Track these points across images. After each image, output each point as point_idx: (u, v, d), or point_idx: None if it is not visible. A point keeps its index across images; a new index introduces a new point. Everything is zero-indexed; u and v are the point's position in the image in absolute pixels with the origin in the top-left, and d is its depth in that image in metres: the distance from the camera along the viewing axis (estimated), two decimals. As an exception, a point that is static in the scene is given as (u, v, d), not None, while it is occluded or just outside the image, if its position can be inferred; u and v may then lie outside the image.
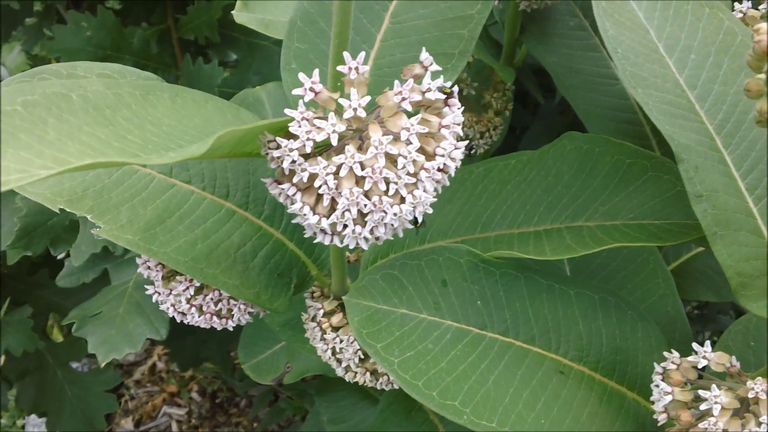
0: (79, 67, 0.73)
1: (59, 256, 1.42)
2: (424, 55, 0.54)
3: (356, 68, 0.51)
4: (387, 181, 0.51)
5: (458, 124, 0.54)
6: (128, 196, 0.71)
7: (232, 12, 0.86)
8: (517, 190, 0.74)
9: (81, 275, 1.39)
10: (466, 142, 0.55)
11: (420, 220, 0.55)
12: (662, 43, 0.60)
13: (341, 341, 0.80)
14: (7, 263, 1.36)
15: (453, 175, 0.55)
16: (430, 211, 0.54)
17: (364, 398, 1.41)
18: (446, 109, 0.55)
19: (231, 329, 0.78)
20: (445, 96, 0.53)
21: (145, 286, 0.77)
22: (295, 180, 0.53)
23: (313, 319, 0.83)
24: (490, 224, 0.73)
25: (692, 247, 1.09)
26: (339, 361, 0.82)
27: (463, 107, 0.53)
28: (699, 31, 0.60)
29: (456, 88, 0.55)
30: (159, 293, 0.76)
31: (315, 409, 1.68)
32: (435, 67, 0.54)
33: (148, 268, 0.75)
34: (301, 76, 0.52)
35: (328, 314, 0.82)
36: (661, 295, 0.83)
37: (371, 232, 0.54)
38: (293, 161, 0.52)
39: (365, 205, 0.52)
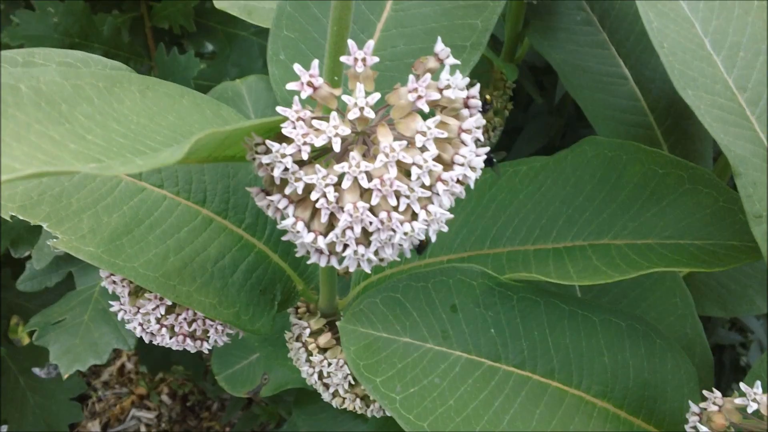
0: (37, 54, 0.64)
1: (25, 256, 1.33)
2: (440, 46, 0.45)
3: (363, 59, 0.42)
4: (398, 195, 0.43)
5: (480, 128, 0.46)
6: (91, 201, 0.63)
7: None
8: (530, 200, 0.66)
9: (44, 279, 1.29)
10: (487, 148, 0.46)
11: (433, 239, 0.46)
12: (709, 38, 0.52)
13: (329, 364, 0.72)
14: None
15: (472, 187, 0.47)
16: (446, 229, 0.46)
17: (345, 411, 1.33)
18: (464, 110, 0.46)
19: (206, 352, 0.69)
20: (482, 101, 0.45)
21: (110, 302, 0.68)
22: (287, 191, 0.44)
23: (298, 338, 0.75)
24: (501, 239, 0.65)
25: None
26: (326, 386, 0.74)
27: (490, 108, 0.45)
28: (747, 26, 0.53)
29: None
30: (125, 311, 0.67)
31: (291, 420, 1.60)
32: (452, 61, 0.46)
33: (113, 282, 0.67)
34: (297, 67, 0.43)
35: (314, 334, 0.74)
36: (679, 316, 0.75)
37: (376, 253, 0.46)
38: (286, 169, 0.43)
39: (371, 223, 0.43)
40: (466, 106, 0.46)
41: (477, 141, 0.46)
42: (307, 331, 0.74)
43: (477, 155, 0.46)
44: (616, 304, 0.78)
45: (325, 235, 0.45)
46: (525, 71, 1.34)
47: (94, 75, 0.48)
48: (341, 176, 0.43)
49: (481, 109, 0.47)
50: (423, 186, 0.43)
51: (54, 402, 1.65)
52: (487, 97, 0.46)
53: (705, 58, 0.51)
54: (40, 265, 1.22)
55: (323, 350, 0.73)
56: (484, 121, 0.46)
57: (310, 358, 0.74)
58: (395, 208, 0.43)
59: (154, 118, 0.49)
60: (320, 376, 0.74)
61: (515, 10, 0.97)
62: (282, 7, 0.61)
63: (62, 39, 1.26)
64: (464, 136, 0.44)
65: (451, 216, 0.46)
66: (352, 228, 0.44)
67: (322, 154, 0.46)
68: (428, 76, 0.43)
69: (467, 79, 0.46)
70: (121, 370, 2.92)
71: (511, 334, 0.56)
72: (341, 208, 0.43)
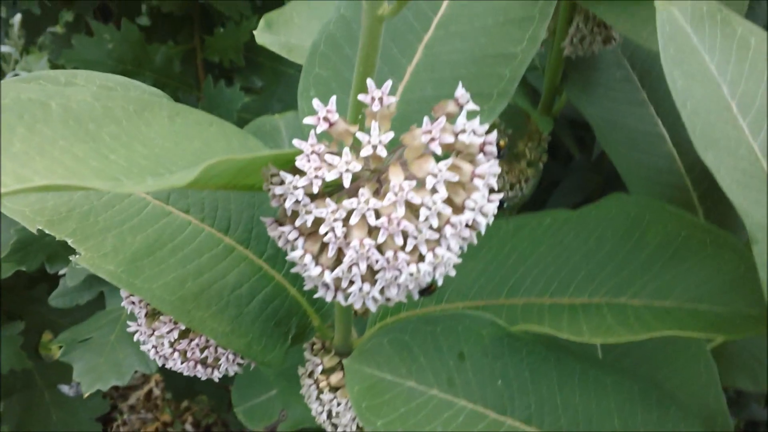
0: (79, 75, 0.66)
1: (61, 272, 1.35)
2: (460, 91, 0.46)
3: (380, 99, 0.43)
4: (405, 235, 0.43)
5: (494, 175, 0.46)
6: (117, 221, 0.64)
7: (253, 32, 0.79)
8: (551, 253, 0.65)
9: (75, 296, 1.31)
10: (501, 194, 0.46)
11: (440, 282, 0.46)
12: (736, 101, 0.52)
13: (338, 404, 0.71)
14: (1, 276, 1.28)
15: (483, 233, 0.47)
16: (453, 273, 0.46)
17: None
18: (481, 156, 0.46)
19: (217, 380, 0.69)
20: (496, 147, 0.45)
21: (128, 322, 0.69)
22: (297, 223, 0.45)
23: (311, 375, 0.75)
24: (518, 289, 0.65)
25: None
26: (335, 426, 0.73)
27: (505, 155, 0.45)
28: (778, 91, 0.52)
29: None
30: (141, 332, 0.68)
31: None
32: (471, 106, 0.46)
33: (132, 302, 0.68)
34: (316, 102, 0.44)
35: (327, 371, 0.74)
36: (702, 385, 0.73)
37: (381, 292, 0.46)
38: (297, 201, 0.44)
39: (377, 261, 0.43)
40: (482, 152, 0.46)
41: (491, 188, 0.46)
42: (320, 368, 0.74)
43: (490, 201, 0.46)
44: (637, 368, 0.77)
45: (332, 269, 0.45)
46: (564, 125, 1.34)
47: (126, 98, 0.50)
48: (350, 212, 0.43)
49: (496, 156, 0.47)
50: (431, 228, 0.43)
51: (76, 420, 1.66)
52: (501, 143, 0.46)
53: (730, 120, 0.50)
54: (73, 282, 1.25)
55: (334, 389, 0.73)
56: (498, 169, 0.46)
57: (320, 396, 0.73)
58: (402, 248, 0.44)
59: (180, 143, 0.50)
60: (329, 415, 0.73)
61: (554, 63, 0.97)
62: (316, 45, 0.63)
63: (116, 65, 1.30)
64: (477, 181, 0.44)
65: (459, 260, 0.46)
66: (358, 264, 0.44)
67: (337, 190, 0.47)
68: (443, 118, 0.43)
69: (486, 126, 0.47)
70: (149, 395, 2.94)
71: (519, 387, 0.56)
72: (348, 244, 0.43)
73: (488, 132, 0.47)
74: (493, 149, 0.46)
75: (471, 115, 0.46)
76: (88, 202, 0.64)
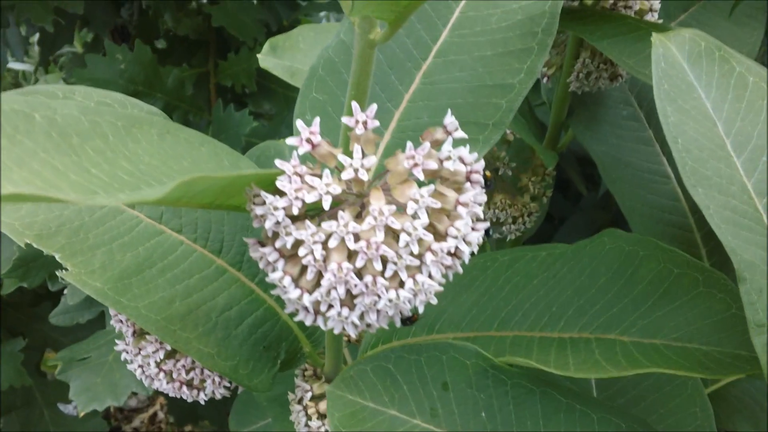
0: (77, 91, 0.66)
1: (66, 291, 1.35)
2: (449, 119, 0.45)
3: (364, 122, 0.43)
4: (384, 260, 0.43)
5: (479, 204, 0.45)
6: (108, 238, 0.64)
7: (257, 55, 0.79)
8: (544, 286, 0.65)
9: (76, 315, 1.31)
10: (487, 224, 0.46)
11: (421, 310, 0.45)
12: (730, 139, 0.51)
13: (327, 431, 0.70)
14: (2, 292, 1.29)
15: (466, 261, 0.46)
16: (434, 301, 0.45)
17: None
18: (468, 185, 0.46)
19: (203, 402, 0.69)
20: (482, 176, 0.45)
21: (116, 341, 0.69)
22: (278, 244, 0.44)
23: (300, 401, 0.74)
24: (509, 322, 0.64)
25: (734, 371, 0.97)
26: (321, 454, 0.72)
27: (492, 186, 0.44)
28: (775, 131, 0.51)
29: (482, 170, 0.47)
30: (128, 351, 0.67)
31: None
32: (460, 134, 0.46)
33: (120, 321, 0.67)
34: (299, 123, 0.44)
35: (316, 398, 0.73)
36: (696, 427, 0.72)
37: (361, 317, 0.45)
38: (278, 222, 0.43)
39: (355, 285, 0.43)
40: (469, 180, 0.46)
41: (477, 217, 0.46)
42: (309, 394, 0.73)
43: (474, 230, 0.45)
44: (632, 407, 0.75)
45: (311, 293, 0.44)
46: (572, 162, 1.33)
47: (115, 114, 0.50)
48: (329, 235, 0.42)
49: (483, 186, 0.46)
50: (412, 254, 0.43)
51: (74, 439, 1.65)
52: (488, 173, 0.46)
53: (723, 158, 0.49)
54: (74, 300, 1.25)
55: (323, 416, 0.72)
56: (485, 198, 0.46)
57: (309, 422, 0.72)
58: (381, 274, 0.43)
59: (168, 161, 0.50)
60: (316, 442, 0.72)
61: (560, 98, 0.97)
62: (314, 70, 0.63)
63: (127, 85, 1.31)
64: (461, 209, 0.44)
65: (441, 288, 0.45)
66: (336, 288, 0.43)
67: (321, 213, 0.46)
68: (427, 144, 0.43)
69: (475, 155, 0.46)
70: (153, 418, 2.93)
71: (503, 420, 0.54)
72: (327, 267, 0.43)
73: (486, 161, 0.46)
74: (480, 178, 0.45)
75: (458, 143, 0.45)
76: (79, 218, 0.63)
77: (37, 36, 1.72)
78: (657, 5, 0.86)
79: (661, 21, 0.87)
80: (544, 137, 1.06)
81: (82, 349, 1.27)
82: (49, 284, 1.26)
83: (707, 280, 0.57)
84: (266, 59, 0.80)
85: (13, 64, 2.33)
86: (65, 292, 1.32)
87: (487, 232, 0.45)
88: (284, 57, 0.81)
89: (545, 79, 0.98)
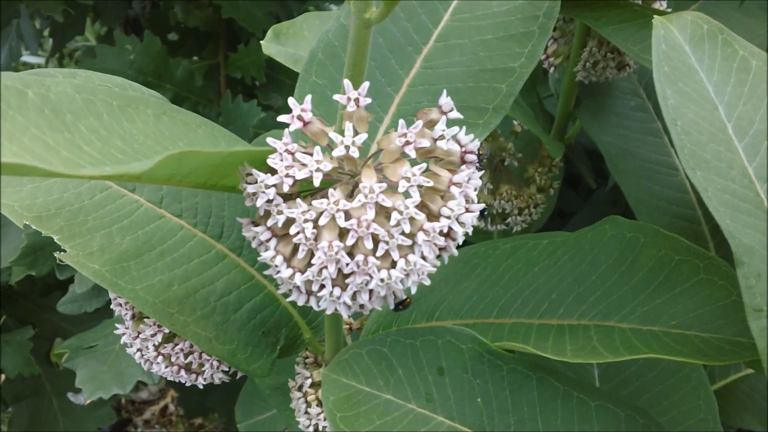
0: (78, 74, 0.66)
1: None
2: (444, 99, 0.45)
3: (356, 100, 0.42)
4: (376, 239, 0.42)
5: (472, 184, 0.45)
6: (107, 221, 0.64)
7: (261, 42, 0.79)
8: (544, 274, 0.64)
9: (83, 303, 1.32)
10: (482, 205, 0.45)
11: (414, 290, 0.45)
12: (732, 123, 0.50)
13: (325, 418, 0.70)
14: (11, 281, 1.30)
15: (460, 242, 0.45)
16: (427, 282, 0.45)
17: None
18: (464, 167, 0.45)
19: (201, 386, 0.68)
20: (473, 154, 0.44)
21: (116, 325, 0.69)
22: (269, 223, 0.44)
23: (300, 388, 0.74)
24: (508, 309, 0.63)
25: (742, 366, 0.96)
26: (321, 441, 0.72)
27: (483, 171, 0.44)
28: (778, 115, 0.51)
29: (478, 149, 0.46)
30: (127, 335, 0.67)
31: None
32: (455, 114, 0.45)
33: (119, 304, 0.67)
34: (291, 101, 0.43)
35: (315, 385, 0.72)
36: (700, 420, 0.71)
37: (353, 297, 0.45)
38: (269, 200, 0.43)
39: (347, 264, 0.43)
40: (463, 161, 0.45)
41: (470, 199, 0.45)
42: (309, 381, 0.72)
43: (468, 211, 0.45)
44: (635, 399, 0.74)
45: (303, 272, 0.44)
46: (581, 155, 1.32)
47: (110, 93, 0.50)
48: (320, 213, 0.42)
49: (477, 165, 0.46)
50: (404, 233, 0.42)
51: (82, 429, 1.66)
52: (480, 150, 0.46)
53: (724, 142, 0.48)
54: (82, 289, 1.25)
55: (322, 403, 0.72)
56: (479, 182, 0.45)
57: (309, 409, 0.72)
58: (373, 253, 0.43)
59: (162, 141, 0.50)
60: (316, 429, 0.72)
61: (567, 88, 0.96)
62: (314, 54, 0.63)
63: (136, 76, 1.32)
64: (453, 189, 0.43)
65: (433, 270, 0.45)
66: (327, 267, 0.43)
67: (312, 193, 0.46)
68: (420, 123, 0.43)
69: (471, 136, 0.46)
70: (164, 410, 2.95)
71: (499, 406, 0.54)
72: (318, 246, 0.42)
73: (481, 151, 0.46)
74: (473, 157, 0.45)
75: (453, 124, 0.45)
76: (78, 200, 0.64)
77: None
78: (666, -7, 0.85)
79: (669, 10, 0.86)
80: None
81: (89, 337, 1.28)
82: (57, 273, 1.26)
83: (708, 267, 0.56)
84: (269, 46, 0.79)
85: (27, 58, 2.35)
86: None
87: (482, 212, 0.44)
88: (288, 44, 0.81)
89: (552, 69, 0.98)
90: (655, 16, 0.54)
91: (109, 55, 1.29)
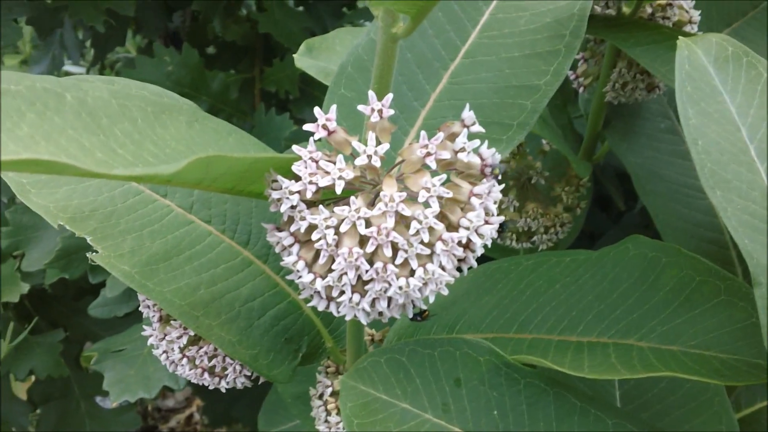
0: (116, 81, 0.69)
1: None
2: (467, 113, 0.46)
3: (380, 111, 0.44)
4: (395, 247, 0.43)
5: (493, 197, 0.46)
6: (138, 225, 0.66)
7: (293, 55, 0.81)
8: (565, 291, 0.64)
9: (114, 307, 1.35)
10: (501, 218, 0.46)
11: (432, 299, 0.46)
12: (754, 145, 0.51)
13: (344, 427, 0.71)
14: (45, 283, 1.33)
15: (479, 254, 0.46)
16: (445, 292, 0.46)
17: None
18: (485, 180, 0.46)
19: (224, 390, 0.70)
20: (490, 169, 0.45)
21: (144, 326, 0.70)
22: (292, 229, 0.45)
23: (320, 397, 0.75)
24: (528, 325, 0.64)
25: (770, 394, 0.95)
26: (341, 450, 0.72)
27: (503, 185, 0.45)
28: (802, 138, 0.51)
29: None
30: (154, 336, 0.69)
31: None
32: (477, 128, 0.46)
33: (147, 306, 0.69)
34: (317, 110, 0.45)
35: (336, 394, 0.73)
36: (721, 444, 0.70)
37: (372, 304, 0.46)
38: (293, 206, 0.44)
39: (366, 271, 0.44)
40: (483, 174, 0.46)
41: (490, 212, 0.46)
42: (329, 390, 0.73)
43: (488, 223, 0.46)
44: (656, 422, 0.74)
45: (324, 278, 0.45)
46: (611, 175, 1.32)
47: (145, 99, 0.51)
48: (342, 220, 0.43)
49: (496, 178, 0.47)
50: (423, 243, 0.43)
51: (108, 432, 1.68)
52: (496, 171, 0.46)
53: (746, 163, 0.49)
54: (113, 293, 1.28)
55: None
56: (500, 195, 0.46)
57: (328, 418, 0.73)
58: (392, 260, 0.44)
59: (193, 147, 0.52)
60: (335, 438, 0.73)
61: (596, 108, 0.96)
62: (344, 67, 0.64)
63: (173, 87, 1.35)
64: (474, 200, 0.44)
65: (452, 280, 0.45)
66: (347, 273, 0.44)
67: (335, 200, 0.47)
68: (441, 134, 0.44)
69: (493, 150, 0.47)
70: (189, 419, 2.97)
71: (515, 420, 0.54)
72: (339, 252, 0.44)
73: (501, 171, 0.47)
74: (494, 168, 0.46)
75: (476, 137, 0.46)
76: (112, 204, 0.65)
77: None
78: (696, 17, 0.85)
79: (700, 33, 0.86)
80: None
81: (117, 341, 1.30)
82: (90, 277, 1.29)
83: (729, 288, 0.56)
84: (302, 59, 0.81)
85: (69, 67, 2.40)
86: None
87: (501, 226, 0.45)
88: (320, 58, 0.82)
89: (582, 90, 0.98)
90: (680, 37, 0.54)
91: (148, 66, 1.33)
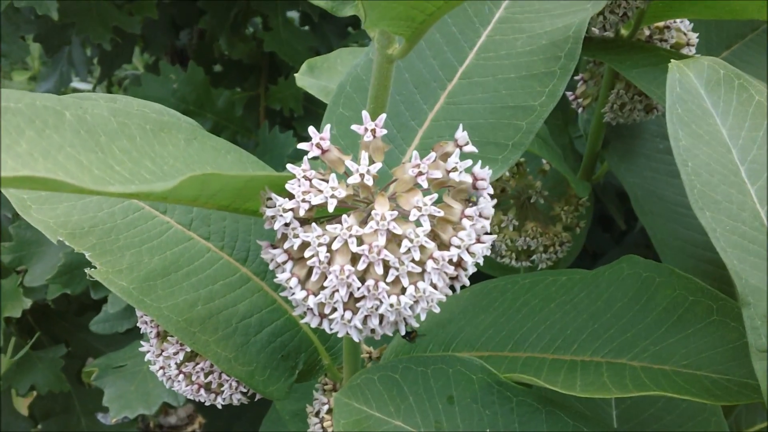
0: (119, 99, 0.70)
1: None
2: (460, 133, 0.47)
3: (373, 130, 0.44)
4: (386, 265, 0.44)
5: (485, 217, 0.46)
6: (138, 241, 0.66)
7: (295, 74, 0.82)
8: (560, 310, 0.65)
9: (115, 323, 1.35)
10: (493, 237, 0.47)
11: (423, 317, 0.46)
12: (745, 166, 0.51)
13: (340, 444, 0.71)
14: (47, 298, 1.33)
15: (470, 272, 0.47)
16: (437, 310, 0.46)
17: None
18: (481, 198, 0.47)
19: (220, 407, 0.70)
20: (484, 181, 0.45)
21: (141, 342, 0.71)
22: (286, 246, 0.46)
23: (317, 414, 0.75)
24: (523, 343, 0.64)
25: (770, 415, 0.95)
26: (334, 468, 0.72)
27: (494, 201, 0.45)
28: (793, 161, 0.51)
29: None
30: (151, 352, 0.69)
31: None
32: (470, 148, 0.47)
33: (145, 322, 0.69)
34: (311, 129, 0.45)
35: (332, 412, 0.73)
36: (719, 468, 0.70)
37: (364, 321, 0.46)
38: (286, 224, 0.45)
39: (358, 288, 0.44)
40: (476, 190, 0.47)
41: (484, 231, 0.46)
42: (326, 407, 0.74)
43: (480, 241, 0.46)
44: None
45: (316, 294, 0.46)
46: (611, 195, 1.32)
47: (144, 117, 0.52)
48: (334, 238, 0.44)
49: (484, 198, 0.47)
50: (414, 261, 0.44)
51: (109, 449, 1.68)
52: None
53: (736, 184, 0.49)
54: (114, 309, 1.28)
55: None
56: (492, 211, 0.47)
57: (324, 436, 0.73)
58: (383, 278, 0.44)
59: (191, 165, 0.52)
60: (330, 455, 0.73)
61: (596, 128, 0.97)
62: (342, 87, 0.65)
63: (178, 104, 1.36)
64: (465, 221, 0.45)
65: (443, 298, 0.46)
66: (339, 291, 0.44)
67: (329, 219, 0.48)
68: (433, 154, 0.44)
69: (487, 169, 0.47)
70: (191, 436, 2.96)
71: (508, 438, 0.54)
72: (330, 269, 0.44)
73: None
74: (484, 185, 0.46)
75: (467, 156, 0.46)
76: (111, 220, 0.66)
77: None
78: (694, 40, 0.86)
79: (698, 56, 0.87)
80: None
81: (118, 357, 1.31)
82: (92, 293, 1.30)
83: (721, 308, 0.57)
84: (303, 78, 0.82)
85: (77, 84, 2.42)
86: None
87: (492, 245, 0.46)
88: (321, 77, 0.83)
89: (581, 110, 0.99)
90: (672, 59, 0.55)
91: (153, 83, 1.34)
